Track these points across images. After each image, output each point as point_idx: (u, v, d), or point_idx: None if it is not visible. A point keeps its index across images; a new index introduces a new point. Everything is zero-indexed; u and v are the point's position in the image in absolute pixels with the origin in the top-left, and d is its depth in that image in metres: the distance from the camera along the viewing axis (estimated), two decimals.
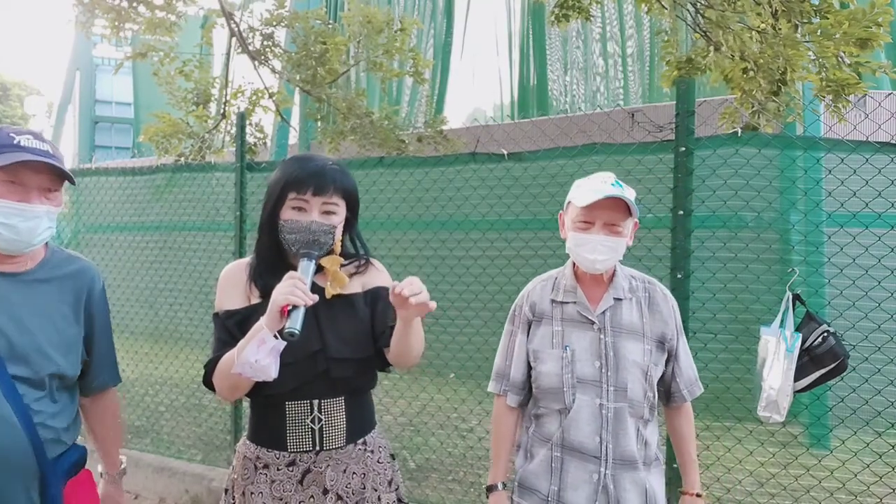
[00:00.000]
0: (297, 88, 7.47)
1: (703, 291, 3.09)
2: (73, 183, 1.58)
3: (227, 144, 7.03)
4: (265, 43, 6.99)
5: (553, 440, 1.75)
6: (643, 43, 11.45)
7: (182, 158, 6.84)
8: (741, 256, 3.33)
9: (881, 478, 2.89)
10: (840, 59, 3.80)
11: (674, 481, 2.86)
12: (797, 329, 2.56)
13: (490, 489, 1.87)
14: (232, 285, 1.68)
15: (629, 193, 1.72)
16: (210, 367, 1.61)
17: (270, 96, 7.21)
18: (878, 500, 2.87)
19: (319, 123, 7.98)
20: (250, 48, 6.87)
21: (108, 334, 1.76)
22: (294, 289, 1.42)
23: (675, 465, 2.84)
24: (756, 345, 2.61)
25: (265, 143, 7.88)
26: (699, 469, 1.92)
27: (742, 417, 3.07)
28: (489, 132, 5.51)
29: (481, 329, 3.73)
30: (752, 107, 3.93)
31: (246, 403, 4.31)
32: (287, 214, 1.58)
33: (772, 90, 3.82)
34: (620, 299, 1.79)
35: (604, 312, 1.77)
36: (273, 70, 7.20)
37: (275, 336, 1.42)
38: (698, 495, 1.85)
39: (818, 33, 3.76)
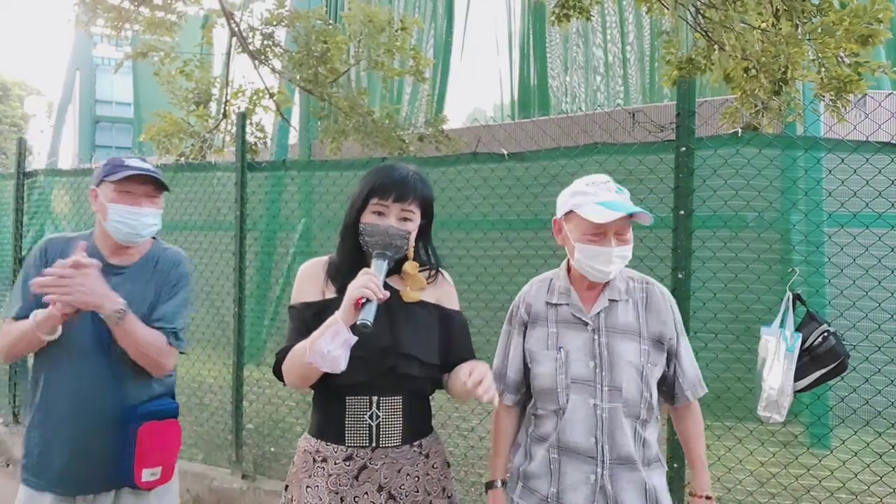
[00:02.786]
0: (298, 88, 7.47)
1: (704, 291, 3.09)
2: (167, 190, 2.05)
3: (228, 144, 7.03)
4: (265, 42, 6.99)
5: (549, 441, 1.75)
6: (644, 43, 11.45)
7: (183, 158, 6.84)
8: (742, 256, 3.33)
9: (881, 477, 2.89)
10: (840, 58, 3.80)
11: (674, 481, 2.86)
12: (798, 329, 2.56)
13: (489, 485, 1.89)
14: (311, 280, 1.77)
15: (628, 195, 1.73)
16: (281, 355, 1.69)
17: (271, 96, 7.21)
18: (879, 499, 2.87)
19: (321, 123, 7.98)
20: (250, 48, 6.87)
21: (174, 303, 2.05)
22: (369, 282, 1.50)
23: (674, 465, 2.85)
24: (757, 344, 2.61)
25: (266, 143, 7.89)
26: None
27: (743, 417, 3.07)
28: (491, 132, 5.51)
29: (482, 329, 3.72)
30: (754, 106, 3.94)
31: (246, 403, 4.31)
32: (367, 218, 1.69)
33: (773, 90, 3.83)
34: (616, 300, 1.78)
35: (598, 314, 1.77)
36: (273, 70, 7.20)
37: (348, 330, 1.50)
38: (708, 497, 1.82)
39: (819, 31, 3.77)
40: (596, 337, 1.75)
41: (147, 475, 1.96)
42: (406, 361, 1.66)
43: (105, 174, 1.97)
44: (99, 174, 2.00)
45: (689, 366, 1.85)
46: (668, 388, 1.85)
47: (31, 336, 1.85)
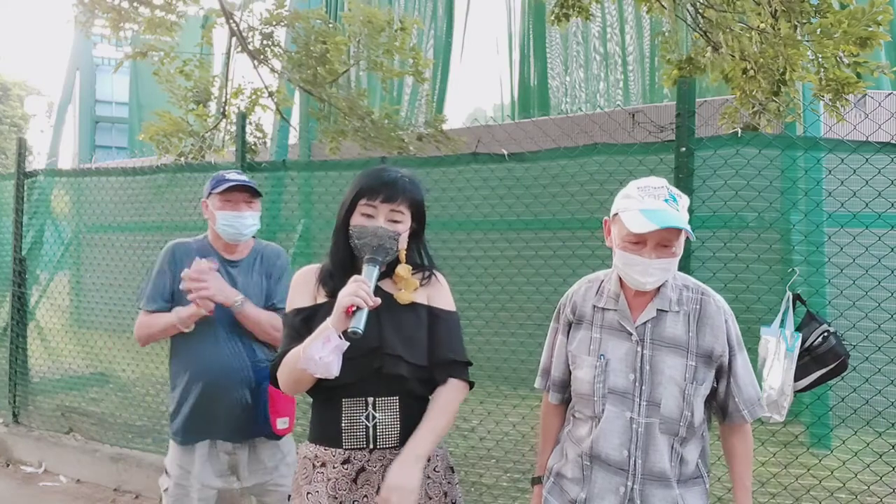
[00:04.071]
0: (298, 88, 7.47)
1: None
2: (260, 196, 2.47)
3: (228, 144, 7.02)
4: (265, 42, 6.99)
5: (583, 447, 1.72)
6: (644, 43, 11.44)
7: (182, 158, 6.83)
8: (742, 256, 3.32)
9: (881, 477, 2.89)
10: (839, 59, 3.80)
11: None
12: (798, 329, 2.56)
13: (534, 481, 1.91)
14: (303, 287, 1.77)
15: (683, 204, 1.63)
16: (277, 361, 1.69)
17: (270, 95, 7.21)
18: (879, 499, 2.87)
19: (320, 123, 7.97)
20: (250, 47, 6.87)
21: (283, 286, 2.41)
22: (359, 290, 1.51)
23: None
24: (757, 344, 2.61)
25: (265, 143, 7.88)
26: None
27: None
28: (491, 132, 5.51)
29: (483, 329, 3.73)
30: (753, 107, 3.94)
31: None
32: (357, 220, 1.68)
33: (772, 90, 3.83)
34: (665, 311, 1.69)
35: (644, 324, 1.69)
36: (273, 69, 7.20)
37: (339, 336, 1.51)
38: None
39: (818, 32, 3.77)
40: (639, 349, 1.67)
41: (280, 423, 2.41)
42: (392, 362, 1.64)
43: (212, 188, 2.44)
44: (207, 189, 2.47)
45: (747, 383, 1.72)
46: (720, 405, 1.74)
47: (171, 328, 2.35)
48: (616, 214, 1.67)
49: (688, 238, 2.79)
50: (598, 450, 1.68)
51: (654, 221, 1.55)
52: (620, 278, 1.74)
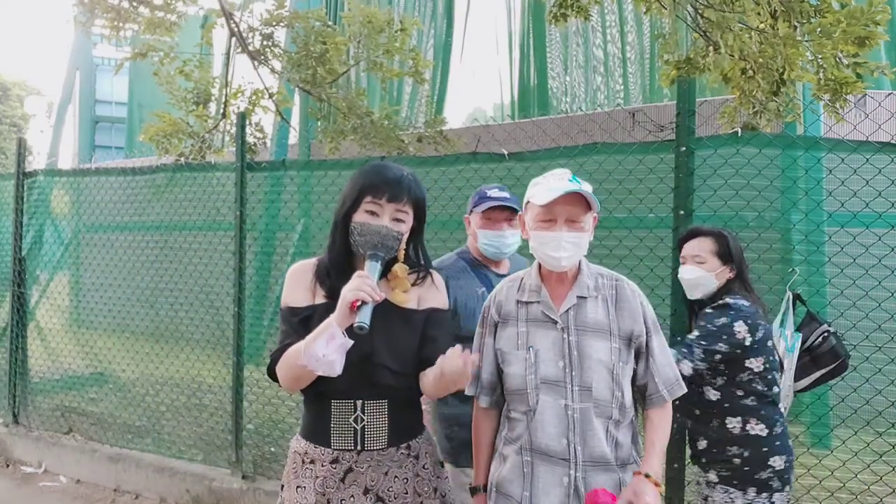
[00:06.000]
0: (297, 88, 7.47)
1: None
2: (519, 209, 2.20)
3: (227, 144, 7.02)
4: (265, 43, 6.99)
5: (521, 443, 1.73)
6: (644, 42, 11.44)
7: (182, 158, 6.83)
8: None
9: (882, 477, 2.89)
10: (838, 59, 3.80)
11: (675, 482, 2.85)
12: (798, 329, 2.56)
13: (473, 491, 1.89)
14: (299, 281, 1.74)
15: (587, 188, 1.72)
16: (276, 356, 1.67)
17: (270, 96, 7.21)
18: (879, 499, 2.87)
19: (319, 123, 7.98)
20: (250, 48, 6.87)
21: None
22: (363, 285, 1.49)
23: (674, 465, 2.84)
24: None
25: (265, 143, 7.87)
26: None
27: None
28: (490, 132, 5.51)
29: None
30: (753, 107, 3.93)
31: (246, 403, 4.29)
32: (360, 217, 1.66)
33: (771, 90, 3.82)
34: (585, 297, 1.76)
35: (567, 311, 1.74)
36: (273, 70, 7.20)
37: (344, 334, 1.48)
38: (647, 476, 1.67)
39: (817, 32, 3.76)
40: (565, 336, 1.72)
41: None
42: (379, 370, 1.64)
43: (474, 205, 2.44)
44: (469, 205, 2.48)
45: (664, 364, 1.78)
46: (640, 388, 1.80)
47: None
48: (528, 203, 1.78)
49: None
50: (538, 442, 1.69)
51: (559, 191, 1.66)
52: (540, 271, 1.81)
